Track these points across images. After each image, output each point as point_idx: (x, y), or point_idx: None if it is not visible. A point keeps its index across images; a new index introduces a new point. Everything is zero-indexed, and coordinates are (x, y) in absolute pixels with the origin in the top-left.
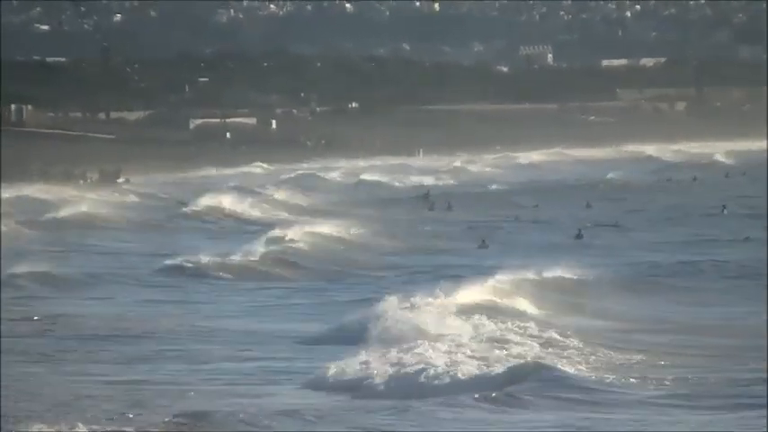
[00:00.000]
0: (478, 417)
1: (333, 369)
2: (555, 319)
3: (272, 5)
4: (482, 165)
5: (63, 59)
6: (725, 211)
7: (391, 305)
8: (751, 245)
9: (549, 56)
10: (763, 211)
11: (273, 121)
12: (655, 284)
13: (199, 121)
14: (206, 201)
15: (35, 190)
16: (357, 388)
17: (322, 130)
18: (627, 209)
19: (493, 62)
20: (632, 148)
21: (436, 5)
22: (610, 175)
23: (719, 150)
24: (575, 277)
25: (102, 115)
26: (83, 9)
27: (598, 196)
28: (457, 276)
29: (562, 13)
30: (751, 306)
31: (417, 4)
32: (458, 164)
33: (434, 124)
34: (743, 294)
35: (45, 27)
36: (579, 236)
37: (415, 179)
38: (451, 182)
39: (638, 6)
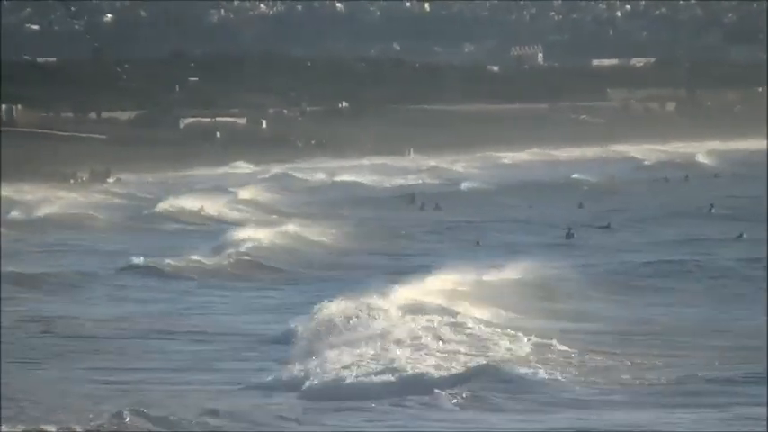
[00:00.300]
0: (431, 416)
1: (280, 369)
2: (523, 321)
3: (262, 5)
4: (471, 165)
5: (54, 59)
6: (712, 211)
7: (342, 305)
8: (739, 245)
9: (540, 56)
10: (750, 211)
11: (264, 121)
12: (630, 285)
13: (189, 121)
14: (177, 201)
15: (14, 191)
16: (300, 388)
17: (312, 130)
18: (614, 209)
19: (484, 62)
20: (622, 148)
21: (427, 6)
22: (599, 175)
23: (710, 151)
24: (547, 278)
25: (93, 115)
26: (73, 9)
27: (587, 197)
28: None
29: (552, 13)
30: (730, 307)
31: (408, 4)
32: (446, 164)
33: (425, 124)
34: (723, 295)
35: (35, 27)
36: (569, 235)
37: (403, 179)
38: (438, 182)
39: (628, 6)
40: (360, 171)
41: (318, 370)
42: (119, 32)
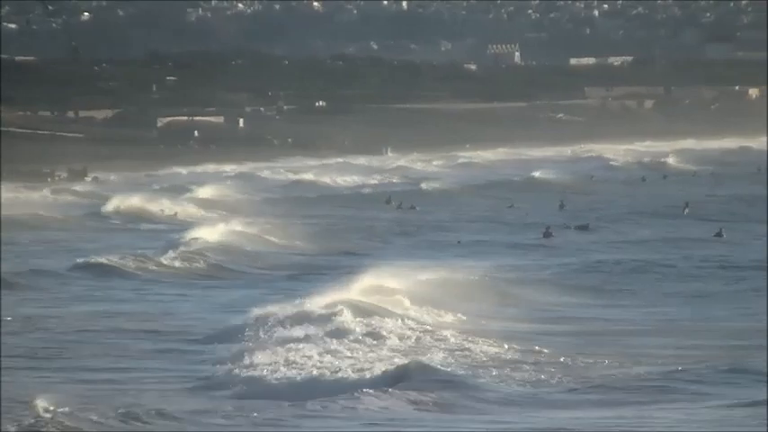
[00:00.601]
0: (362, 416)
1: (215, 369)
2: (505, 322)
3: (240, 5)
4: (449, 164)
5: (32, 58)
6: (686, 211)
7: (279, 305)
8: (718, 245)
9: (517, 54)
10: (728, 211)
11: (241, 120)
12: (607, 285)
13: (167, 120)
14: (136, 201)
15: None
16: (232, 387)
17: (290, 128)
18: (593, 207)
19: (461, 61)
20: (599, 146)
21: (404, 4)
22: (575, 174)
23: (689, 149)
24: (521, 277)
25: (70, 114)
26: (51, 8)
27: (565, 197)
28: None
29: (530, 11)
30: (710, 307)
31: (385, 2)
32: (423, 163)
33: (403, 123)
34: (701, 294)
35: (13, 26)
36: (547, 234)
37: (379, 178)
38: (414, 181)
39: (606, 5)
40: (337, 170)
41: (254, 370)
42: (96, 31)
